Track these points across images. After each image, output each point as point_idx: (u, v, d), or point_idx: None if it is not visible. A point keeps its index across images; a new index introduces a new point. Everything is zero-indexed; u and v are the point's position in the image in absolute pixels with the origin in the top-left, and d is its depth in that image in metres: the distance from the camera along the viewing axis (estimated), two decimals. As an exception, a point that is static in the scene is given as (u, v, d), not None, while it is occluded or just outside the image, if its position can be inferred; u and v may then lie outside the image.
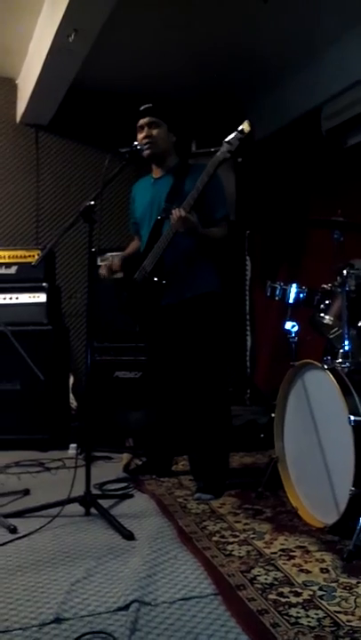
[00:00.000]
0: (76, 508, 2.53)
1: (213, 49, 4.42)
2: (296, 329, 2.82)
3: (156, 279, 2.87)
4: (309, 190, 4.75)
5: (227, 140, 2.65)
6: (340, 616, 1.62)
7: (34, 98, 4.61)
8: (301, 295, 2.82)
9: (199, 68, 4.74)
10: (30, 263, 4.04)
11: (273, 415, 2.70)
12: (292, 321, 2.83)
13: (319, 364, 2.34)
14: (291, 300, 2.85)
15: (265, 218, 5.29)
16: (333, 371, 2.27)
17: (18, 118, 5.03)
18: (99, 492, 2.84)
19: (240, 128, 2.65)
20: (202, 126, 4.83)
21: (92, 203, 2.60)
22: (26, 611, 1.72)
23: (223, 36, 4.24)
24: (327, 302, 2.66)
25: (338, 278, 2.50)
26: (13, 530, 2.34)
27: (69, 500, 2.48)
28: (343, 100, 4.38)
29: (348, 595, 1.75)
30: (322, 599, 1.73)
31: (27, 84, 4.71)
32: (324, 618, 1.62)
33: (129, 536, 2.28)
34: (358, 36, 4.10)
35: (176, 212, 2.67)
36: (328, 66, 4.42)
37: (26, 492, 2.88)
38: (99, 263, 4.03)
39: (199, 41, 4.34)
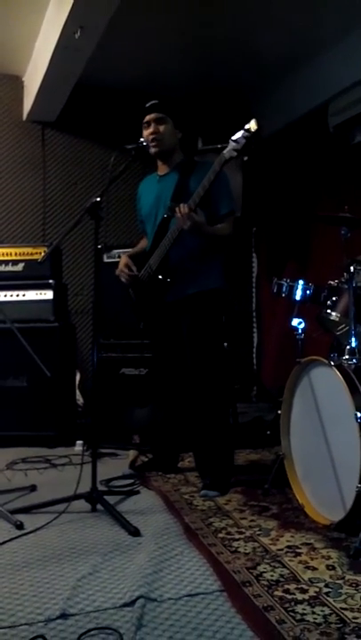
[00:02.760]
0: (83, 504, 2.54)
1: (219, 45, 4.40)
2: (303, 326, 2.81)
3: (160, 277, 2.87)
4: (316, 187, 4.74)
5: (233, 138, 2.64)
6: (347, 613, 1.62)
7: (40, 95, 4.61)
8: (308, 292, 2.81)
9: (205, 65, 4.72)
10: (37, 260, 4.04)
11: (279, 412, 2.70)
12: (299, 318, 2.83)
13: (326, 361, 2.33)
14: (297, 297, 2.84)
15: (271, 215, 5.28)
16: (340, 367, 2.26)
17: (24, 116, 5.03)
18: (105, 489, 2.84)
19: (247, 127, 2.64)
20: (208, 123, 4.82)
21: (99, 199, 2.60)
22: (32, 606, 1.73)
23: (229, 32, 4.23)
24: (334, 299, 2.65)
25: (345, 274, 2.50)
26: (20, 526, 2.35)
27: (76, 497, 2.49)
28: (350, 95, 4.35)
29: (355, 592, 1.75)
30: (328, 596, 1.73)
31: (33, 81, 4.71)
32: (330, 614, 1.61)
33: (135, 532, 2.29)
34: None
35: (181, 210, 2.66)
36: (334, 62, 4.40)
37: (32, 489, 2.89)
38: (105, 260, 4.05)
39: (205, 38, 4.32)
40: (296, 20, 4.05)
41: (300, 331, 2.82)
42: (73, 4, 3.44)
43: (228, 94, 5.12)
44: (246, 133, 2.63)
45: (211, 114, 5.08)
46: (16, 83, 5.02)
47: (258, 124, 2.61)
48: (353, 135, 4.41)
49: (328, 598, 1.71)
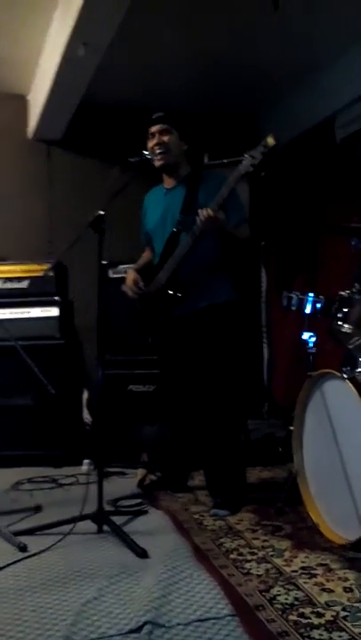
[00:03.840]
0: (89, 525, 2.46)
1: (224, 61, 4.39)
2: (314, 339, 2.75)
3: (171, 292, 2.81)
4: (325, 200, 4.69)
5: (250, 152, 2.60)
6: (366, 639, 1.53)
7: (45, 113, 4.61)
8: (318, 305, 2.74)
9: (210, 81, 4.71)
10: (43, 277, 4.01)
11: (291, 428, 2.61)
12: (310, 331, 2.76)
13: (338, 374, 2.25)
14: (308, 310, 2.77)
15: (280, 229, 5.23)
16: (353, 380, 2.18)
17: (29, 134, 5.04)
18: (112, 509, 2.76)
19: (264, 142, 2.60)
20: (214, 138, 4.80)
21: (102, 213, 2.56)
22: (34, 633, 1.65)
23: (233, 48, 4.21)
24: (345, 310, 2.57)
25: (356, 285, 2.43)
26: (23, 548, 2.28)
27: (81, 517, 2.41)
28: (357, 108, 4.32)
29: (374, 615, 1.66)
30: (346, 620, 1.63)
31: (37, 99, 4.72)
32: (348, 640, 1.52)
33: (142, 554, 2.20)
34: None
35: (204, 213, 2.61)
36: (340, 75, 4.37)
37: (37, 509, 2.82)
38: (110, 276, 4.00)
39: (209, 53, 4.31)
40: (299, 33, 4.03)
41: (311, 344, 2.75)
42: (76, 21, 3.44)
43: (233, 109, 5.10)
44: (263, 148, 2.59)
45: (217, 129, 5.06)
46: (21, 102, 5.03)
47: (275, 138, 2.56)
48: (360, 147, 4.36)
49: (346, 623, 1.62)
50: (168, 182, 3.02)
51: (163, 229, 2.95)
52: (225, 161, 3.38)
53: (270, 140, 2.58)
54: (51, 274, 4.01)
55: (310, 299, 2.76)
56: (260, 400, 5.17)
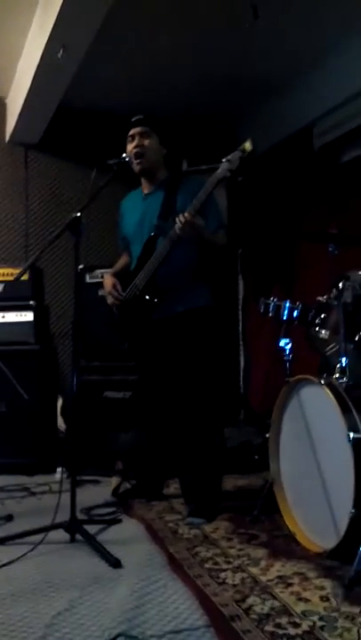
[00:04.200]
0: (61, 534, 2.39)
1: (203, 69, 4.39)
2: (290, 346, 2.74)
3: (147, 297, 2.78)
4: (303, 208, 4.71)
5: (227, 158, 2.59)
6: (343, 649, 1.50)
7: (23, 116, 4.56)
8: (295, 311, 2.73)
9: (189, 88, 4.71)
10: (18, 282, 3.94)
11: (267, 435, 2.59)
12: (286, 338, 2.75)
13: (315, 380, 2.24)
14: (285, 317, 2.76)
15: (257, 237, 5.24)
16: (331, 386, 2.17)
17: (7, 137, 4.98)
18: (85, 518, 2.70)
19: (241, 147, 2.59)
20: (193, 145, 4.79)
21: (79, 214, 2.52)
22: (2, 647, 1.59)
23: (212, 55, 4.22)
24: (323, 316, 2.57)
25: (333, 290, 2.42)
26: (-7, 558, 2.20)
27: (53, 527, 2.35)
28: (335, 117, 4.35)
29: (351, 625, 1.63)
30: (323, 630, 1.60)
31: (16, 102, 4.67)
32: (325, 651, 1.49)
33: (116, 564, 2.15)
34: (347, 52, 4.09)
35: (182, 217, 2.59)
36: (318, 84, 4.40)
37: (8, 519, 2.74)
38: (87, 281, 3.96)
39: (188, 60, 4.32)
40: (278, 42, 4.06)
41: (287, 351, 2.74)
42: (55, 23, 3.41)
43: (212, 116, 5.11)
44: (241, 153, 2.58)
45: (195, 136, 5.06)
46: (-1, 104, 4.98)
47: (253, 144, 2.55)
48: (340, 155, 4.39)
49: (323, 633, 1.59)
50: (146, 187, 2.99)
51: (140, 234, 2.92)
52: (204, 167, 3.36)
53: (248, 146, 2.57)
54: (23, 278, 3.93)
55: (287, 305, 2.76)
56: (236, 407, 5.15)
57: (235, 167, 2.59)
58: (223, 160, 2.60)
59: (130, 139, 2.89)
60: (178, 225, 2.60)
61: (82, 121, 5.05)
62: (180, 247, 2.69)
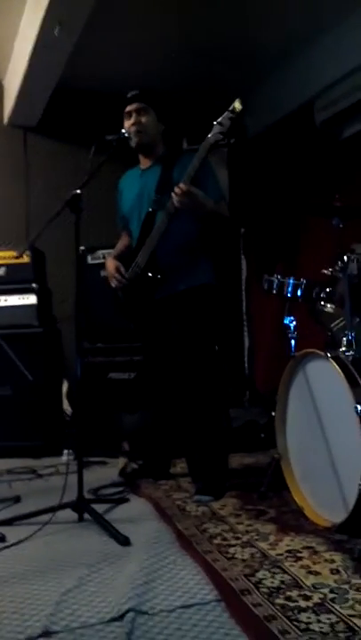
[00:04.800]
0: (69, 514, 2.38)
1: (202, 45, 4.32)
2: (294, 324, 2.71)
3: (150, 274, 2.74)
4: (306, 184, 4.65)
5: (218, 120, 2.55)
6: (355, 620, 1.48)
7: (20, 97, 4.51)
8: (299, 289, 2.70)
9: (188, 66, 4.64)
10: (19, 264, 3.92)
11: (273, 414, 2.57)
12: (291, 315, 2.73)
13: (322, 353, 2.21)
14: (289, 294, 2.73)
15: (260, 215, 5.18)
16: (337, 359, 2.13)
17: (5, 120, 4.92)
18: (92, 497, 2.70)
19: (231, 107, 2.54)
20: (193, 123, 4.72)
21: (79, 192, 2.48)
22: (12, 624, 1.58)
23: (211, 32, 4.15)
24: (328, 290, 2.53)
25: (338, 263, 2.38)
26: (2, 538, 2.21)
27: (61, 506, 2.34)
28: (336, 91, 4.28)
29: (362, 597, 1.62)
30: (334, 602, 1.59)
31: (13, 84, 4.61)
32: (337, 622, 1.48)
33: (124, 541, 2.14)
34: (350, 26, 4.01)
35: (178, 188, 2.54)
36: (319, 58, 4.33)
37: (16, 500, 2.74)
38: (89, 262, 3.92)
39: (187, 36, 4.24)
40: (279, 16, 3.98)
41: (292, 329, 2.72)
42: (50, 0, 3.35)
43: (212, 94, 5.01)
44: (231, 114, 2.53)
45: (195, 114, 4.97)
46: (-5, 87, 4.92)
47: (242, 102, 2.51)
48: (341, 130, 4.33)
49: (334, 605, 1.57)
50: (144, 163, 2.95)
51: (139, 210, 2.88)
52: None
53: (237, 105, 2.53)
54: (24, 261, 3.91)
55: (291, 282, 2.72)
56: (241, 389, 5.13)
57: (226, 129, 2.55)
58: (214, 123, 2.56)
59: (127, 116, 2.84)
60: (174, 197, 2.56)
61: (80, 102, 4.99)
62: (178, 222, 2.65)
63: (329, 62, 4.23)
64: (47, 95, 4.50)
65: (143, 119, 2.81)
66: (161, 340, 2.92)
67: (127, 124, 2.81)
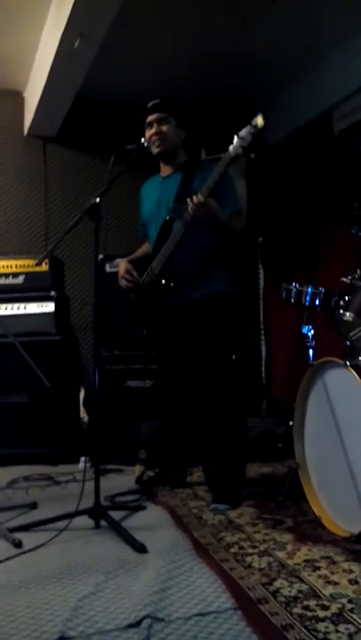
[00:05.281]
0: (85, 520, 2.39)
1: (221, 56, 4.35)
2: (312, 333, 2.70)
3: (164, 281, 2.75)
4: (324, 194, 4.64)
5: (240, 134, 2.55)
6: (374, 631, 1.47)
7: (40, 108, 4.57)
8: (317, 298, 2.69)
9: (207, 76, 4.68)
10: (38, 272, 3.96)
11: (291, 423, 2.55)
12: (309, 324, 2.72)
13: (341, 362, 2.20)
14: (307, 303, 2.72)
15: (278, 225, 5.18)
16: (357, 367, 2.12)
17: (25, 131, 5.00)
18: (109, 505, 2.70)
19: (253, 122, 2.54)
20: (212, 134, 4.74)
21: (98, 200, 2.50)
22: (28, 629, 1.58)
23: (231, 43, 4.18)
24: (347, 298, 2.52)
25: (358, 271, 2.37)
26: (18, 544, 2.21)
27: (78, 513, 2.34)
28: (355, 100, 4.28)
29: (381, 607, 1.60)
30: (352, 612, 1.57)
31: (33, 95, 4.68)
32: (355, 633, 1.46)
33: (141, 549, 2.14)
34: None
35: (194, 199, 2.55)
36: (338, 68, 4.34)
37: (33, 506, 2.75)
38: (107, 270, 3.95)
39: (205, 48, 4.28)
40: (296, 26, 4.00)
41: (310, 338, 2.70)
42: (71, 13, 3.40)
43: (231, 104, 5.06)
44: (253, 129, 2.53)
45: (214, 124, 5.01)
46: (17, 98, 5.01)
47: (264, 118, 2.51)
48: (358, 140, 4.32)
49: (352, 615, 1.55)
50: (165, 170, 2.97)
51: (158, 218, 2.89)
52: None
53: (260, 121, 2.53)
54: (43, 269, 3.94)
55: (310, 290, 2.71)
56: (258, 398, 5.11)
57: (247, 144, 2.55)
58: (235, 137, 2.57)
59: (148, 126, 2.86)
60: (191, 206, 2.57)
61: (99, 113, 5.06)
62: (195, 230, 2.66)
63: (348, 72, 4.23)
64: (67, 105, 4.56)
65: (164, 128, 2.83)
66: (176, 348, 2.92)
67: (148, 134, 2.83)
